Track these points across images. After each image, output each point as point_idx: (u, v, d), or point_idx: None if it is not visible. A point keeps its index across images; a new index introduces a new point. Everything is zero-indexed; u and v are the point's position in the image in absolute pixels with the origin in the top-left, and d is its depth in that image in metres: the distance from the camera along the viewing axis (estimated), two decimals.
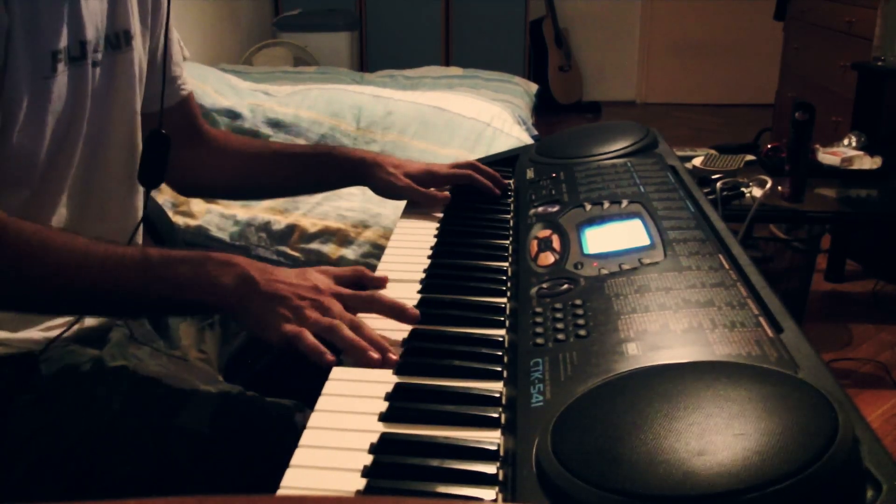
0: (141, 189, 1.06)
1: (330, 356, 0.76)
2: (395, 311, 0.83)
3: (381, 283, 0.92)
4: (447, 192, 1.21)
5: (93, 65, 0.93)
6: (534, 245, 0.97)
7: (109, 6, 0.94)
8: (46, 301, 0.82)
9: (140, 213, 1.07)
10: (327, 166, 1.23)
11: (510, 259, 1.01)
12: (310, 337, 0.78)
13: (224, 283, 0.81)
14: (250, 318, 0.81)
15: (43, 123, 0.86)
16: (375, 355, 0.76)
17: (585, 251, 0.90)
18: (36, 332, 0.90)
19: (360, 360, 0.76)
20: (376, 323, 0.83)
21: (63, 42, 0.87)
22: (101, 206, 0.99)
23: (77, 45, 0.89)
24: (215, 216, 2.30)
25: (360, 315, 0.83)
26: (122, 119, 1.00)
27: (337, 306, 0.82)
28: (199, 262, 0.83)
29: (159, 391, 0.83)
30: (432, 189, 1.21)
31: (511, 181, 1.29)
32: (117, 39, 0.98)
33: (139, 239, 1.08)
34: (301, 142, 2.44)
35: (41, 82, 0.85)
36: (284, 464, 0.63)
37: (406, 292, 0.92)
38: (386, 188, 1.20)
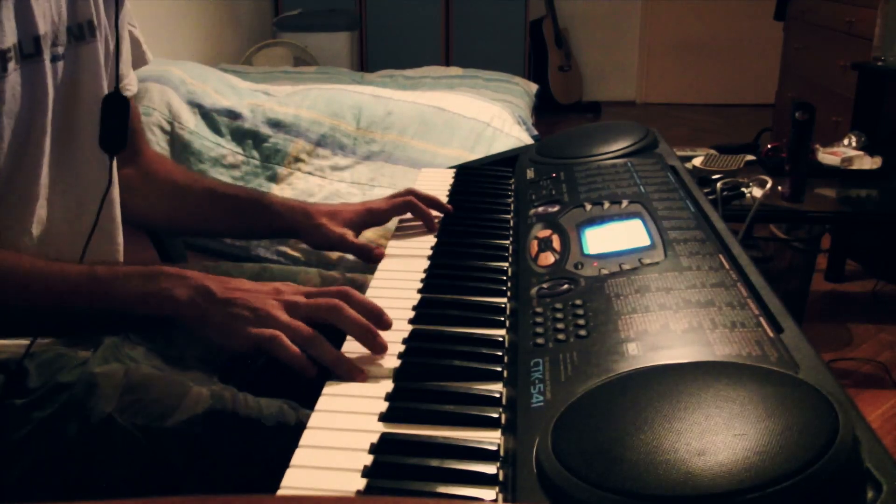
0: (118, 199, 1.05)
1: (312, 371, 0.76)
2: (368, 311, 0.81)
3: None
4: (382, 249, 1.10)
5: (53, 59, 0.91)
6: (534, 245, 0.97)
7: None
8: None
9: (118, 217, 1.06)
10: (255, 215, 1.17)
11: (510, 259, 1.01)
12: (283, 339, 0.76)
13: (178, 296, 0.80)
14: (212, 329, 0.79)
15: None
16: (384, 343, 0.77)
17: (586, 251, 0.90)
18: (28, 338, 0.89)
19: (355, 333, 0.77)
20: None
21: (12, 40, 0.85)
22: (80, 202, 0.99)
23: (30, 42, 0.88)
24: None
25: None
26: (91, 112, 0.98)
27: (303, 301, 0.80)
28: (149, 276, 0.81)
29: (152, 393, 0.83)
30: (366, 243, 1.13)
31: (511, 181, 1.29)
32: (80, 31, 0.96)
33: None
34: (301, 142, 2.44)
35: None
36: (282, 465, 0.63)
37: (406, 292, 0.93)
38: (318, 240, 1.14)
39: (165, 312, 0.80)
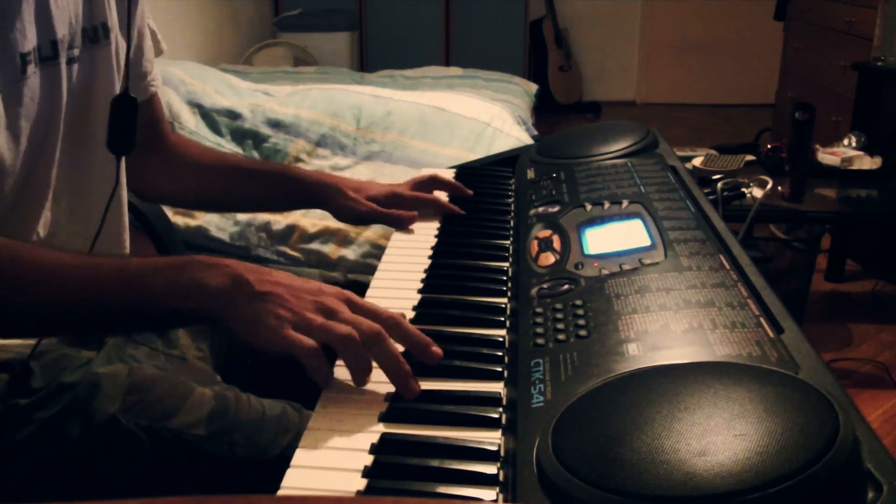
0: (126, 201, 1.05)
1: (330, 379, 0.71)
2: (416, 343, 0.75)
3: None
4: (415, 212, 1.14)
5: (69, 62, 0.92)
6: (534, 245, 0.97)
7: (84, 0, 0.93)
8: (17, 321, 0.76)
9: (126, 219, 1.06)
10: (283, 186, 1.19)
11: (510, 259, 1.01)
12: (316, 354, 0.70)
13: (210, 285, 0.73)
14: (242, 322, 0.73)
15: (17, 128, 0.84)
16: (416, 387, 0.70)
17: (586, 251, 0.90)
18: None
19: (361, 382, 0.72)
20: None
21: (32, 43, 0.85)
22: (88, 203, 0.99)
23: (48, 45, 0.88)
24: (215, 216, 2.30)
25: None
26: (104, 114, 0.98)
27: (344, 309, 0.74)
28: (180, 266, 0.76)
29: (155, 393, 0.83)
30: (394, 210, 1.16)
31: (511, 181, 1.29)
32: (95, 33, 0.96)
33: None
34: (301, 142, 2.44)
35: (12, 86, 0.83)
36: (283, 465, 0.63)
37: (406, 292, 0.93)
38: (346, 213, 1.16)
39: (192, 304, 0.74)
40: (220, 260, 0.76)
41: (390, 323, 0.74)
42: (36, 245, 0.87)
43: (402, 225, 1.14)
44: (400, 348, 0.74)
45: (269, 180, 1.21)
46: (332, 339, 0.71)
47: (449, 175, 1.33)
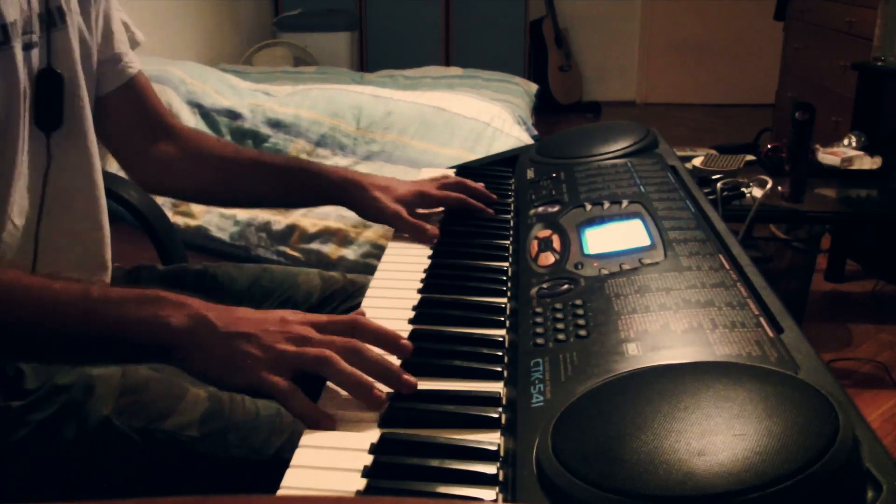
0: (101, 183, 1.03)
1: (325, 417, 0.70)
2: (383, 339, 0.76)
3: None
4: (436, 228, 1.11)
5: (26, 47, 0.91)
6: (534, 245, 0.97)
7: None
8: None
9: (103, 201, 1.05)
10: (305, 182, 1.17)
11: (510, 259, 1.01)
12: (301, 397, 0.72)
13: (174, 325, 0.76)
14: (212, 363, 0.75)
15: None
16: (381, 395, 0.71)
17: (586, 251, 0.90)
18: None
19: (364, 399, 0.71)
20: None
21: None
22: (63, 193, 0.98)
23: None
24: (215, 216, 2.30)
25: None
26: (69, 98, 0.98)
27: (312, 333, 0.76)
28: (144, 300, 0.77)
29: (150, 394, 0.83)
30: (420, 221, 1.12)
31: (511, 181, 1.29)
32: (51, 17, 0.96)
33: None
34: (301, 142, 2.44)
35: None
36: (278, 466, 0.62)
37: (406, 292, 0.93)
38: (371, 212, 1.14)
39: (159, 341, 0.76)
40: (186, 299, 0.78)
41: (357, 328, 0.76)
42: (5, 268, 0.86)
43: (424, 239, 1.09)
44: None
45: (292, 176, 1.18)
46: (308, 365, 0.73)
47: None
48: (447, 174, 1.26)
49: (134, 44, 1.17)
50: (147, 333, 0.76)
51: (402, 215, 1.12)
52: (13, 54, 0.90)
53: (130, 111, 1.01)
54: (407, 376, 0.72)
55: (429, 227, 1.11)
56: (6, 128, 0.90)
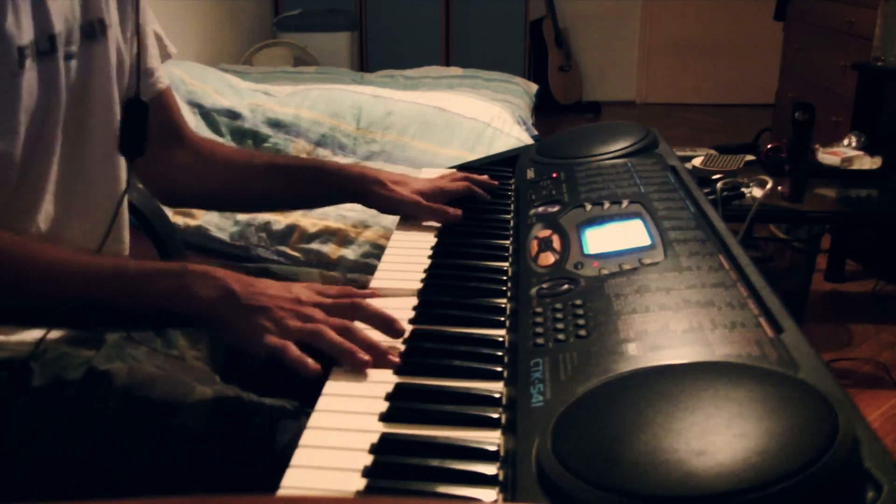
0: (125, 198, 1.05)
1: (313, 365, 0.76)
2: (380, 321, 0.83)
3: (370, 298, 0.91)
4: (459, 210, 1.15)
5: (67, 57, 0.92)
6: (534, 245, 0.97)
7: None
8: (14, 312, 0.83)
9: (125, 215, 1.06)
10: (322, 181, 1.18)
11: (510, 259, 1.01)
12: (293, 349, 0.78)
13: (204, 296, 0.81)
14: (233, 332, 0.81)
15: (16, 121, 0.86)
16: (365, 357, 0.76)
17: (586, 251, 0.90)
18: (32, 335, 0.90)
19: (349, 362, 0.77)
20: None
21: (29, 37, 0.86)
22: (87, 202, 0.99)
23: (45, 40, 0.88)
24: (215, 216, 2.30)
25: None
26: (102, 111, 0.99)
27: (318, 314, 0.82)
28: (177, 274, 0.83)
29: (156, 392, 0.83)
30: (440, 204, 1.16)
31: (511, 181, 1.29)
32: (91, 29, 0.97)
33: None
34: (301, 142, 2.44)
35: (9, 80, 0.84)
36: (283, 464, 0.63)
37: (406, 292, 0.92)
38: (387, 204, 1.16)
39: (184, 311, 0.82)
40: (212, 270, 0.84)
41: (358, 309, 0.83)
42: (37, 240, 0.89)
43: (447, 219, 1.13)
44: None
45: (307, 178, 1.19)
46: (305, 336, 0.79)
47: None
48: (452, 173, 1.27)
49: (165, 56, 1.18)
50: (180, 305, 0.82)
51: (420, 203, 1.15)
52: (57, 65, 0.91)
53: (153, 124, 1.03)
54: (391, 356, 0.78)
55: (449, 209, 1.14)
56: (42, 135, 0.90)
